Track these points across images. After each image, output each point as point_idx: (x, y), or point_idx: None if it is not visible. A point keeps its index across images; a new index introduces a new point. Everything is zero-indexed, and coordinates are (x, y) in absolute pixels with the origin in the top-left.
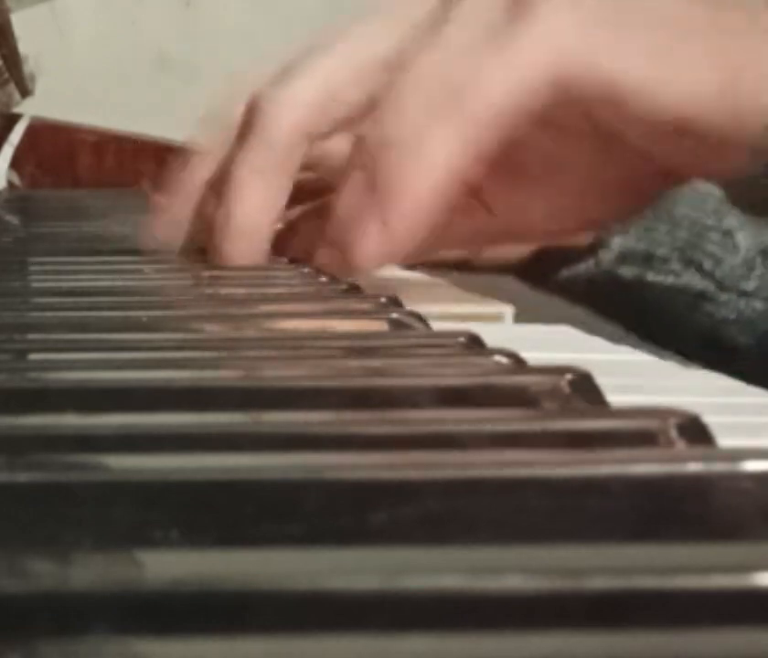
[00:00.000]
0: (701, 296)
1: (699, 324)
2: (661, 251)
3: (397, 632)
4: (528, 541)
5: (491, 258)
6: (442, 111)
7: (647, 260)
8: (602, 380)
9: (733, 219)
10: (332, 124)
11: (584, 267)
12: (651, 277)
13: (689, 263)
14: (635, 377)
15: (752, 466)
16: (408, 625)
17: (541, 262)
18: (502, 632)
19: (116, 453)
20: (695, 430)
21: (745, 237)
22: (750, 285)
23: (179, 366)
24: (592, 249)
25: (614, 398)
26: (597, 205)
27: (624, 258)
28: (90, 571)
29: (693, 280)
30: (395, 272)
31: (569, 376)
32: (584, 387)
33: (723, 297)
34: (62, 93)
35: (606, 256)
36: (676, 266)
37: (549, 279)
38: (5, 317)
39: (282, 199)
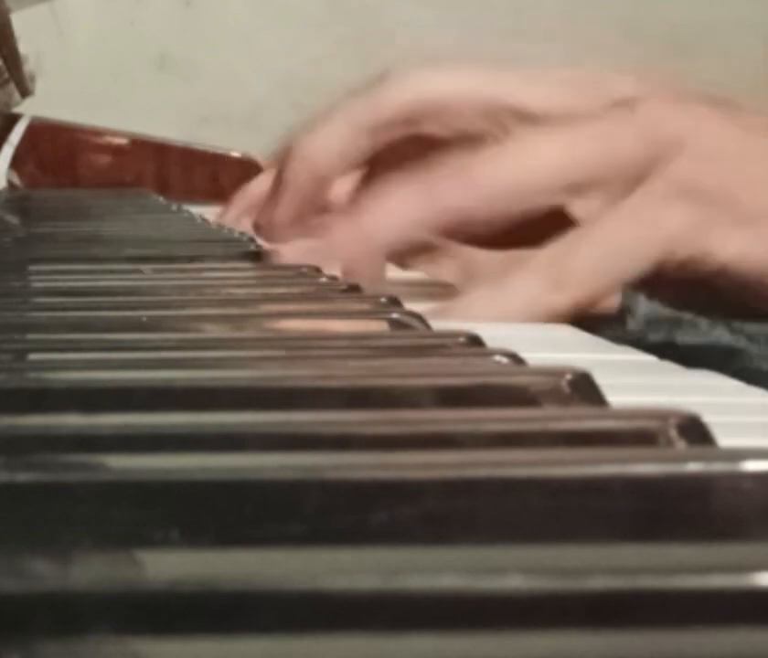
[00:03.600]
0: (732, 352)
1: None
2: (688, 315)
3: (397, 632)
4: (528, 541)
5: None
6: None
7: (675, 323)
8: (602, 380)
9: None
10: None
11: (611, 334)
12: (680, 337)
13: (716, 322)
14: (635, 377)
15: (752, 466)
16: (408, 625)
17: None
18: (502, 632)
19: (116, 453)
20: (695, 430)
21: None
22: None
23: (179, 366)
24: (620, 317)
25: (614, 398)
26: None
27: (650, 323)
28: (90, 571)
29: (723, 336)
30: (394, 272)
31: (569, 376)
32: (584, 387)
33: (755, 349)
34: (62, 93)
35: (633, 323)
36: (703, 325)
37: None
38: (5, 317)
39: (355, 155)
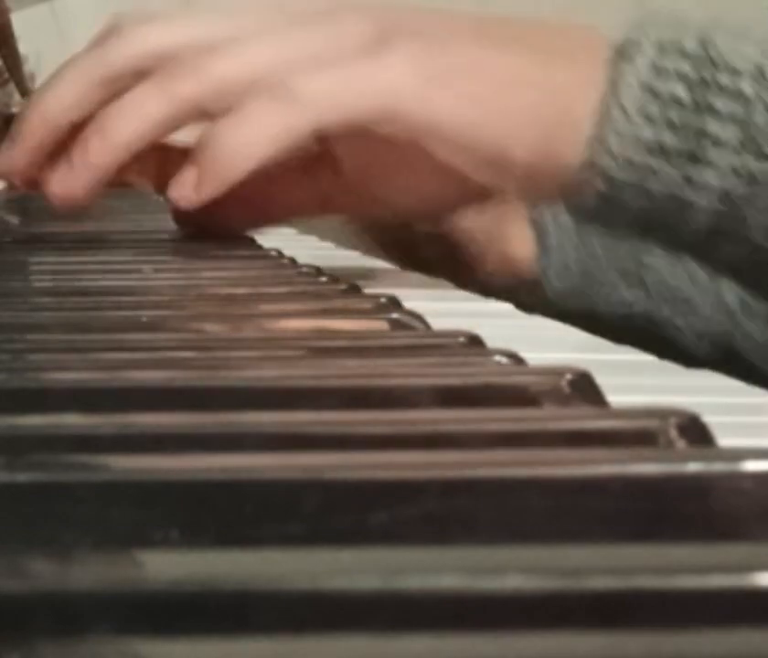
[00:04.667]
0: (649, 316)
1: (653, 342)
2: (602, 276)
3: (397, 632)
4: (528, 541)
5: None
6: (277, 97)
7: (590, 291)
8: (602, 380)
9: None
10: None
11: (528, 299)
12: (600, 307)
13: (631, 281)
14: (635, 377)
15: (752, 466)
16: (408, 625)
17: (516, 293)
18: (502, 632)
19: (116, 453)
20: (695, 430)
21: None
22: (696, 296)
23: (179, 366)
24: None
25: (614, 398)
26: (441, 199)
27: (565, 295)
28: (90, 571)
29: (638, 300)
30: (394, 272)
31: (569, 376)
32: (584, 387)
33: (667, 312)
34: None
35: (550, 290)
36: (622, 289)
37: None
38: (5, 317)
39: (88, 106)
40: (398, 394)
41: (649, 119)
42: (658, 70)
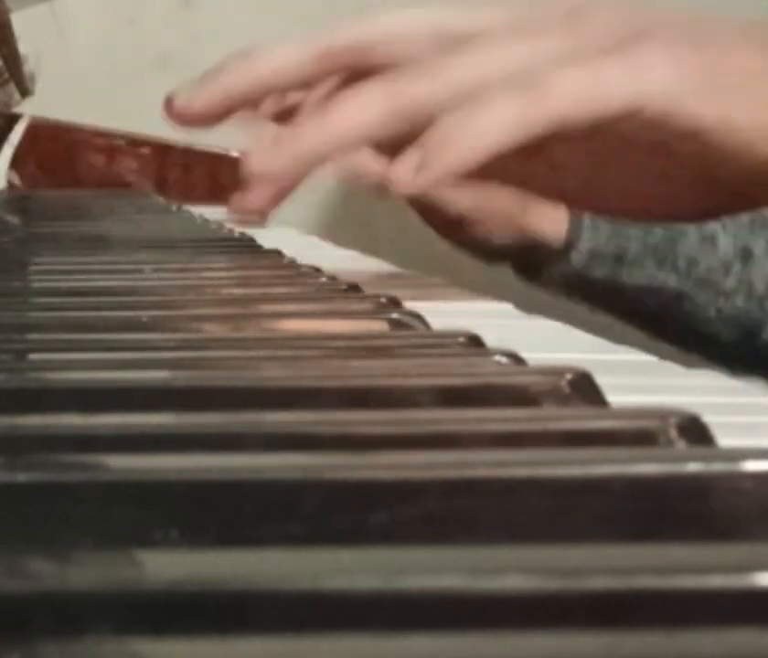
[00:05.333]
0: (679, 296)
1: (679, 322)
2: (632, 252)
3: (397, 632)
4: (528, 541)
5: (468, 234)
6: (517, 89)
7: (618, 259)
8: (602, 380)
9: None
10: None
11: (559, 267)
12: (625, 276)
13: (663, 263)
14: (635, 377)
15: (752, 466)
16: (408, 625)
17: (527, 257)
18: (502, 632)
19: (116, 453)
20: (695, 430)
21: (726, 237)
22: (728, 284)
23: (179, 366)
24: (564, 251)
25: (614, 398)
26: (667, 206)
27: (593, 257)
28: (90, 571)
29: (668, 279)
30: (394, 272)
31: (569, 376)
32: (584, 387)
33: (702, 296)
34: (62, 93)
35: (576, 257)
36: (649, 266)
37: (537, 275)
38: (5, 317)
39: (301, 73)
40: (398, 394)
41: None
42: None
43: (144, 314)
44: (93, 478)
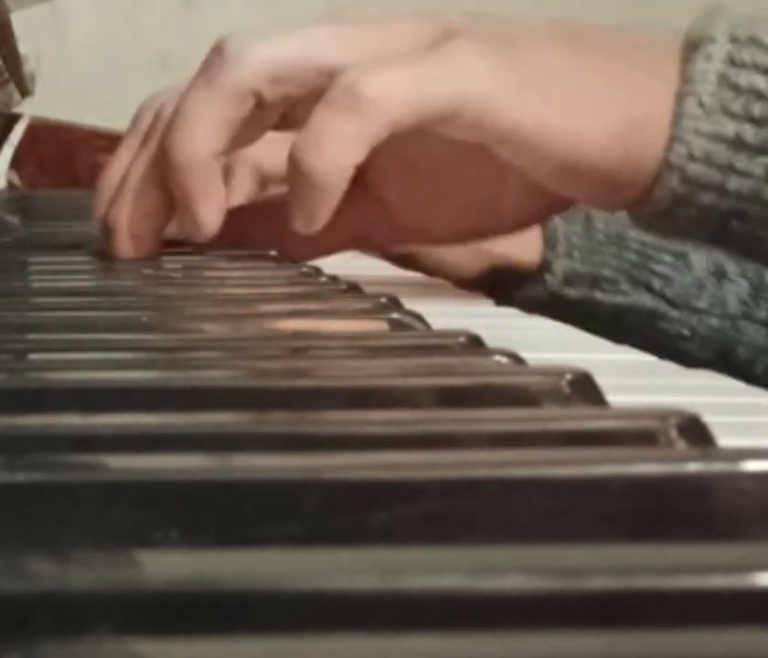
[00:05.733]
0: (653, 314)
1: (653, 341)
2: (607, 272)
3: (397, 632)
4: (528, 541)
5: (437, 263)
6: (346, 110)
7: (594, 281)
8: (602, 380)
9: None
10: (279, 97)
11: (532, 290)
12: (599, 296)
13: (637, 283)
14: (635, 377)
15: (752, 466)
16: (408, 625)
17: (498, 281)
18: (502, 632)
19: (116, 453)
20: (695, 430)
21: (699, 257)
22: (702, 303)
23: (179, 366)
24: (539, 273)
25: (614, 398)
26: (493, 220)
27: (569, 280)
28: (90, 571)
29: (642, 298)
30: (394, 272)
31: (569, 376)
32: (584, 387)
33: (675, 314)
34: (62, 93)
35: (551, 279)
36: (624, 286)
37: (509, 298)
38: (5, 317)
39: (221, 142)
40: (398, 394)
41: (729, 113)
42: (735, 62)
43: (144, 314)
44: (93, 478)
